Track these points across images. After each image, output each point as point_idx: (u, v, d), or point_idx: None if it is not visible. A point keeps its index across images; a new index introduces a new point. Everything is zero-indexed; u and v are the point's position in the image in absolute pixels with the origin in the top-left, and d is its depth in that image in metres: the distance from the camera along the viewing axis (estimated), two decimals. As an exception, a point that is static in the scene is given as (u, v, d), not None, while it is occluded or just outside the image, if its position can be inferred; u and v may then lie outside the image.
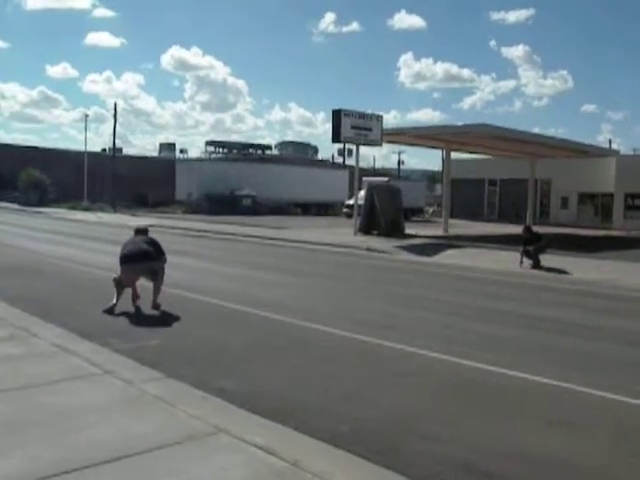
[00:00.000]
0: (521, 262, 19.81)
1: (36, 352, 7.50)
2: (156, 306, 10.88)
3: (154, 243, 11.33)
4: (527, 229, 21.09)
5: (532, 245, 20.16)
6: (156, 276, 11.05)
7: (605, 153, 42.87)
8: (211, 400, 6.09)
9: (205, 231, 31.46)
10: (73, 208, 53.53)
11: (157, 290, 11.03)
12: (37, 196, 58.99)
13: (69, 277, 14.67)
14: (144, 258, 10.97)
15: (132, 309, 10.75)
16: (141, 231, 11.94)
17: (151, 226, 34.49)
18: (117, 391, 6.14)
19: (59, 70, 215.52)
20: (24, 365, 6.92)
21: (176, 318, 10.40)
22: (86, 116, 65.43)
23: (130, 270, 10.91)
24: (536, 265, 19.78)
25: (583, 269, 19.27)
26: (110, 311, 10.42)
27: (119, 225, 36.26)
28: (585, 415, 6.44)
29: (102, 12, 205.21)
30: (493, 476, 4.90)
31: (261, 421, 5.59)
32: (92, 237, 26.61)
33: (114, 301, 10.62)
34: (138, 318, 10.29)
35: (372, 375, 7.56)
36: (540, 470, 5.06)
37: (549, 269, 19.09)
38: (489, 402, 6.73)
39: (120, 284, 10.88)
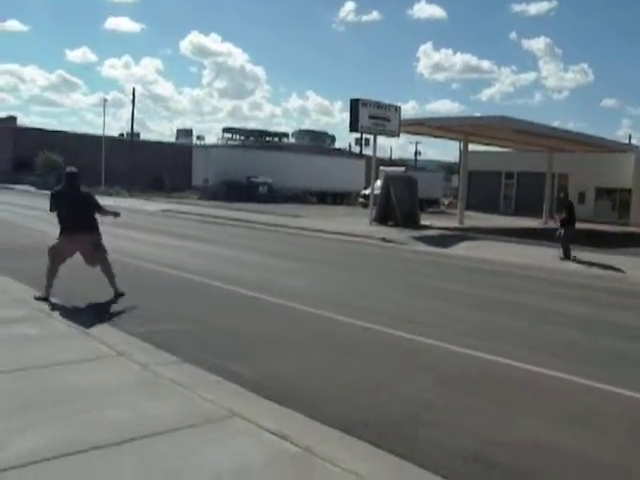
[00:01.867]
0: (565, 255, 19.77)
1: (52, 333, 7.60)
2: (118, 292, 10.24)
3: (88, 198, 10.31)
4: (564, 193, 21.07)
5: (564, 224, 20.02)
6: (97, 247, 10.20)
7: (624, 148, 42.50)
8: (226, 385, 6.16)
9: (221, 217, 31.56)
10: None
11: (108, 270, 10.27)
12: (55, 179, 59.27)
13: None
14: (86, 229, 10.08)
15: (144, 292, 10.82)
16: (72, 175, 10.15)
17: (167, 211, 34.77)
18: (132, 373, 6.21)
19: (78, 54, 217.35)
20: (40, 345, 7.02)
21: (193, 304, 10.49)
22: (105, 101, 65.69)
23: (67, 242, 9.97)
24: (567, 255, 19.61)
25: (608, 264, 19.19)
26: (45, 297, 9.49)
27: (135, 210, 36.44)
28: (600, 411, 6.44)
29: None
30: (497, 466, 4.93)
31: (274, 407, 5.66)
32: (107, 221, 26.73)
33: (46, 283, 9.65)
34: (152, 302, 10.36)
35: (387, 365, 7.59)
36: (546, 459, 5.09)
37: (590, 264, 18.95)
38: (504, 395, 6.75)
39: (57, 255, 9.85)
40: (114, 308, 9.55)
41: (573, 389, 7.07)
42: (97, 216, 10.40)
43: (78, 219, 9.98)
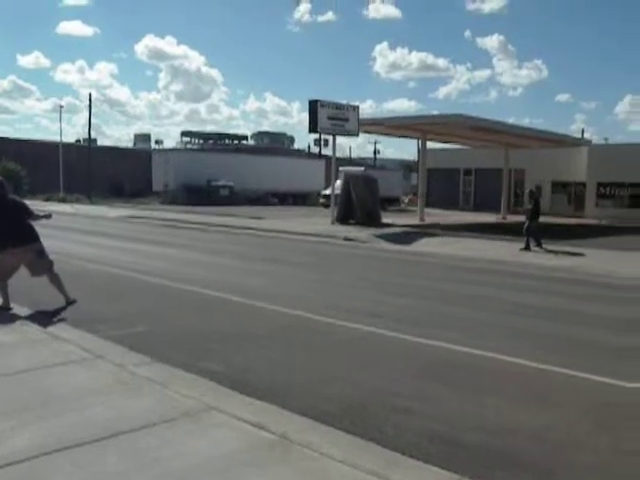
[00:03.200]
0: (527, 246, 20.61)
1: (27, 339, 7.74)
2: (70, 300, 10.17)
3: (19, 206, 9.94)
4: (532, 194, 21.98)
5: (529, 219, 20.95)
6: (41, 257, 9.98)
7: (578, 143, 43.55)
8: (201, 381, 6.40)
9: (182, 221, 31.57)
10: (48, 200, 53.29)
11: (55, 279, 10.17)
12: (13, 189, 58.46)
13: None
14: (25, 240, 9.80)
15: (113, 296, 10.97)
16: None
17: (129, 217, 34.67)
18: (110, 374, 6.40)
19: (31, 59, 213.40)
20: (17, 351, 7.17)
21: (160, 306, 10.68)
22: (60, 107, 65.58)
23: (9, 256, 9.76)
24: (527, 247, 20.46)
25: (566, 257, 19.79)
26: (6, 307, 9.60)
27: (96, 216, 36.29)
28: (557, 393, 6.82)
29: (74, 0, 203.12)
30: (468, 447, 5.26)
31: (249, 400, 5.91)
32: (69, 228, 26.64)
33: (1, 300, 9.73)
34: (121, 305, 10.50)
35: (356, 357, 7.89)
36: (510, 440, 5.43)
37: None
38: (467, 382, 7.07)
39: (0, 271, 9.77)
40: (83, 313, 9.64)
41: (531, 373, 7.44)
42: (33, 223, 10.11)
43: (14, 230, 9.68)
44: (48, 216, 10.55)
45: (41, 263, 10.03)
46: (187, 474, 4.24)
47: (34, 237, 9.97)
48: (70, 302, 10.15)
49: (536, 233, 21.28)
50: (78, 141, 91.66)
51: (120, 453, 4.54)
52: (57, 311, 9.71)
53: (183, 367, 6.90)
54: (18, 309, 9.53)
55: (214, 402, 5.62)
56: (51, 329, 8.31)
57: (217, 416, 5.31)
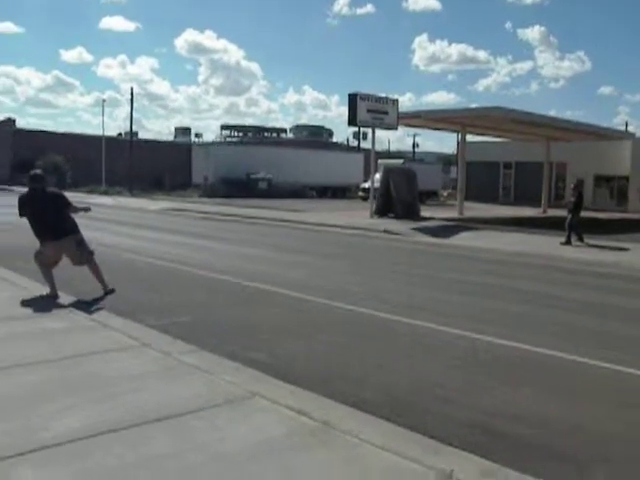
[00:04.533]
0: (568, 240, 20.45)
1: (76, 326, 7.97)
2: (108, 289, 10.26)
3: (58, 199, 10.11)
4: (576, 187, 21.74)
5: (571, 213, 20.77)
6: (81, 247, 10.14)
7: (621, 136, 42.85)
8: (244, 369, 6.52)
9: (222, 214, 31.90)
10: (91, 192, 54.21)
11: (95, 269, 10.31)
12: (56, 180, 59.60)
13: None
14: (65, 232, 10.00)
15: (154, 287, 11.19)
16: (37, 177, 10.09)
17: (171, 209, 35.11)
18: (156, 361, 6.59)
19: (74, 54, 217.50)
20: (68, 338, 7.40)
21: (203, 297, 10.87)
22: (103, 101, 65.99)
23: (51, 248, 9.96)
24: (568, 241, 20.30)
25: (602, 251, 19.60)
26: (53, 295, 9.68)
27: (137, 209, 36.84)
28: (592, 385, 6.84)
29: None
30: (507, 436, 5.32)
31: (291, 388, 6.01)
32: (110, 220, 27.11)
33: (49, 289, 9.76)
34: (165, 296, 10.72)
35: (394, 348, 7.98)
36: (549, 430, 5.48)
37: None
38: (508, 374, 7.11)
39: (44, 261, 9.94)
40: (127, 303, 9.84)
41: (571, 367, 7.44)
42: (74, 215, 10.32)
43: (53, 222, 9.86)
44: (87, 209, 10.71)
45: (82, 253, 10.20)
46: (234, 457, 4.38)
47: (73, 229, 10.17)
48: (108, 292, 10.23)
49: (578, 227, 21.07)
50: (119, 134, 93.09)
51: (169, 436, 4.69)
52: (101, 300, 9.93)
53: (228, 356, 7.05)
54: (64, 298, 9.73)
55: (258, 389, 5.75)
56: (98, 317, 8.52)
57: (261, 402, 5.45)
